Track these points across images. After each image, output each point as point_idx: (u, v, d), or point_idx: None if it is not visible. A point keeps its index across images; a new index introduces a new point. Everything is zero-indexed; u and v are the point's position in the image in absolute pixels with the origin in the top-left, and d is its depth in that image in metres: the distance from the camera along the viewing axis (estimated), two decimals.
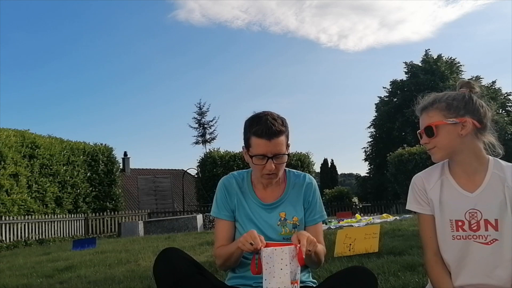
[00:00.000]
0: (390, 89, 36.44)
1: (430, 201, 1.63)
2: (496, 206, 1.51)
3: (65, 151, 14.82)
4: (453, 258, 1.57)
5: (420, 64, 35.29)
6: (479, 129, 1.54)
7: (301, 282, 1.71)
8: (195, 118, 29.36)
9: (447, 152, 1.56)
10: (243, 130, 1.75)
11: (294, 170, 1.87)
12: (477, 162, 1.56)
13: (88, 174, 15.63)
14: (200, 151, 33.23)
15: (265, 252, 1.47)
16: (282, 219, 1.75)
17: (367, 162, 36.54)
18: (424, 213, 1.65)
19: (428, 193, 1.64)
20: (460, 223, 1.55)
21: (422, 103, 1.63)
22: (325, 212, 1.85)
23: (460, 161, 1.57)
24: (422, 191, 1.64)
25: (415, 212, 1.72)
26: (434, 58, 35.19)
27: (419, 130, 1.61)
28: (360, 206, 20.59)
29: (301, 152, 18.28)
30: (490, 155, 1.59)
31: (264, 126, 1.63)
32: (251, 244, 1.49)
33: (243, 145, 1.76)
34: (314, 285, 1.74)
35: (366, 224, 6.96)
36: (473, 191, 1.55)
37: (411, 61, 35.72)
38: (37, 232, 12.01)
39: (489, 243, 1.51)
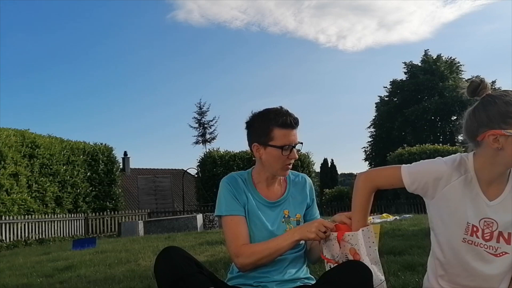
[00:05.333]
0: (390, 89, 36.49)
1: (440, 197, 1.49)
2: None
3: (65, 151, 14.81)
4: (457, 260, 1.51)
5: (419, 64, 35.33)
6: None
7: (300, 279, 1.74)
8: (195, 118, 29.40)
9: None
10: (256, 127, 1.76)
11: (290, 170, 1.89)
12: (506, 173, 1.48)
13: (88, 174, 15.63)
14: (200, 151, 33.22)
15: (348, 235, 1.55)
16: (286, 216, 1.78)
17: (367, 162, 36.58)
18: (398, 183, 1.53)
19: (446, 186, 1.48)
20: (475, 229, 1.48)
21: None
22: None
23: (500, 171, 1.46)
24: (430, 177, 1.50)
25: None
26: (434, 58, 35.23)
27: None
28: None
29: (301, 152, 18.18)
30: None
31: (290, 117, 1.72)
32: (324, 232, 1.57)
33: (255, 142, 1.76)
34: (313, 282, 1.74)
35: None
36: (491, 199, 1.48)
37: (410, 61, 35.80)
38: (37, 232, 12.00)
39: (498, 255, 1.46)
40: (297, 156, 1.74)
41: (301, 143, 1.76)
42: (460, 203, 1.49)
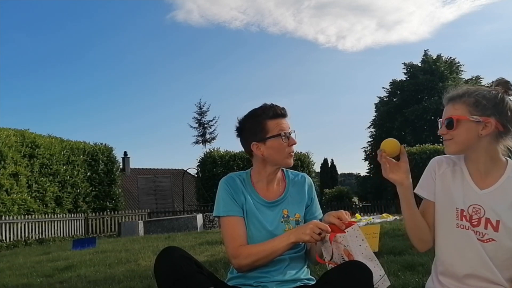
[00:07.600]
0: (390, 89, 36.48)
1: (436, 187, 1.63)
2: (503, 208, 1.50)
3: (65, 151, 14.83)
4: (454, 247, 1.56)
5: (419, 65, 35.30)
6: (501, 132, 1.50)
7: (301, 280, 1.73)
8: (195, 118, 29.46)
9: (462, 147, 1.54)
10: (249, 128, 1.77)
11: (290, 170, 1.90)
12: (491, 163, 1.54)
13: (88, 174, 15.64)
14: (200, 151, 33.25)
15: (340, 236, 1.55)
16: (285, 216, 1.78)
17: (367, 162, 36.53)
18: (426, 199, 1.67)
19: (436, 178, 1.64)
20: (464, 213, 1.55)
21: (451, 93, 1.59)
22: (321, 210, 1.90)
23: (474, 159, 1.56)
24: (429, 177, 1.66)
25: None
26: (433, 58, 35.19)
27: (441, 119, 1.59)
28: (360, 205, 20.61)
29: (301, 152, 18.26)
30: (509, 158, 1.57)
31: (277, 107, 1.78)
32: (319, 234, 1.55)
33: (253, 142, 1.76)
34: (313, 282, 1.74)
35: (366, 224, 6.95)
36: (482, 188, 1.55)
37: (410, 62, 35.76)
38: (37, 232, 12.01)
39: (485, 241, 1.51)
40: (296, 141, 1.77)
41: (294, 131, 1.79)
42: (450, 190, 1.60)
